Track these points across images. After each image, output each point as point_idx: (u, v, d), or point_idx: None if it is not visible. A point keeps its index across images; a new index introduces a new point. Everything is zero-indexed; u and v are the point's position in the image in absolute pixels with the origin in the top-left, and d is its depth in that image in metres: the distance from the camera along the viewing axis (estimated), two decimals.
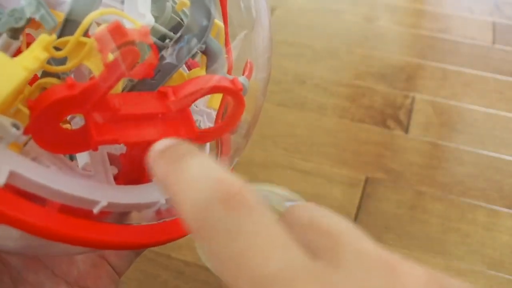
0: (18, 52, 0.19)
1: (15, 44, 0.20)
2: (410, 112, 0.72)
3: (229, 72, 0.26)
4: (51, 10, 0.20)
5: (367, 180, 0.61)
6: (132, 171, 0.23)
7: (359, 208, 0.58)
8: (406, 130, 0.69)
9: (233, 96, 0.22)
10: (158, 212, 0.23)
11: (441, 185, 0.61)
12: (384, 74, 0.79)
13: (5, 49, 0.20)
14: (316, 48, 0.85)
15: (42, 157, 0.20)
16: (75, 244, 0.20)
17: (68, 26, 0.19)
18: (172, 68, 0.22)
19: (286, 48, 0.84)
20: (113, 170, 0.22)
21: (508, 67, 0.82)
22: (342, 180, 0.61)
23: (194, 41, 0.22)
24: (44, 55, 0.18)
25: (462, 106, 0.74)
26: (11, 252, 0.26)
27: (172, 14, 0.24)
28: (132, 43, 0.17)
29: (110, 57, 0.18)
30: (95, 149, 0.19)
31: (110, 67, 0.18)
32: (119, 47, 0.17)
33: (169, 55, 0.22)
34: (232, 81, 0.21)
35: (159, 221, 0.23)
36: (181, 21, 0.25)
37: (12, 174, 0.18)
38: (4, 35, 0.19)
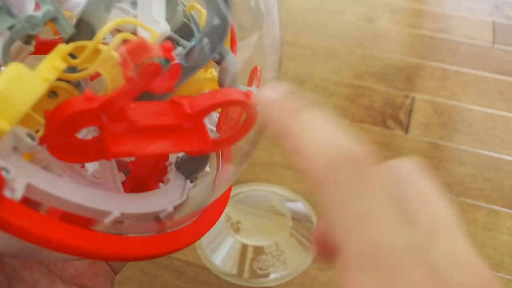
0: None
1: (28, 49, 0.20)
2: (410, 112, 0.72)
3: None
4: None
5: None
6: (140, 177, 0.23)
7: None
8: (406, 130, 0.69)
9: (248, 109, 0.22)
10: (160, 222, 0.23)
11: (441, 185, 0.61)
12: (384, 74, 0.79)
13: (18, 53, 0.20)
14: (316, 48, 0.85)
15: (53, 165, 0.20)
16: (76, 255, 0.20)
17: (80, 27, 0.20)
18: (187, 71, 0.22)
19: (286, 48, 0.84)
20: (121, 177, 0.22)
21: (508, 67, 0.82)
22: None
23: (209, 44, 0.22)
24: (62, 65, 0.18)
25: (462, 106, 0.74)
26: (5, 255, 0.26)
27: (183, 18, 0.24)
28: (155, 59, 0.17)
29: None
30: (110, 160, 0.20)
31: (131, 81, 0.18)
32: (142, 63, 0.17)
33: (179, 59, 0.21)
34: (247, 95, 0.21)
35: (159, 233, 0.23)
36: (188, 23, 0.25)
37: (28, 186, 0.18)
38: (18, 40, 0.19)
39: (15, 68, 0.17)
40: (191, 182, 0.26)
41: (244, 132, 0.23)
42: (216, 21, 0.21)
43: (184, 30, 0.24)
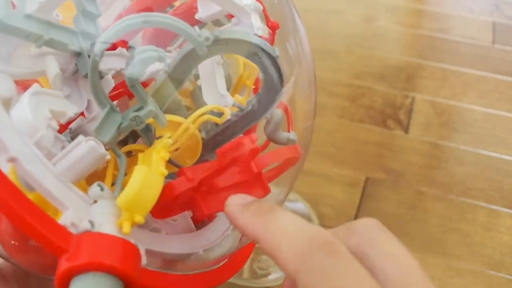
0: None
1: (124, 134, 0.24)
2: (410, 112, 0.72)
3: None
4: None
5: (367, 180, 0.61)
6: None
7: (359, 208, 0.58)
8: (406, 130, 0.69)
9: (295, 160, 0.27)
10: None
11: (441, 185, 0.61)
12: (384, 74, 0.79)
13: (116, 140, 0.23)
14: (316, 48, 0.84)
15: (149, 220, 0.24)
16: None
17: (154, 98, 0.23)
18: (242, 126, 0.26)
19: None
20: (190, 213, 0.26)
21: (508, 67, 0.82)
22: (342, 180, 0.61)
23: (257, 117, 0.25)
24: (167, 156, 0.22)
25: (462, 106, 0.74)
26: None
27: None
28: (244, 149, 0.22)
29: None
30: (203, 218, 0.25)
31: (225, 166, 0.22)
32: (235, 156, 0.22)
33: (234, 116, 0.26)
34: (296, 150, 0.26)
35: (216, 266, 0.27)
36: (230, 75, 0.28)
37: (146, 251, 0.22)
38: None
39: (142, 172, 0.20)
40: None
41: (287, 168, 0.27)
42: (270, 102, 0.25)
43: (227, 81, 0.28)
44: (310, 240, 0.19)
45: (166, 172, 0.21)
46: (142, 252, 0.21)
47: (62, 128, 0.24)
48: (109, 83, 0.24)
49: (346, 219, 0.56)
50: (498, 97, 0.75)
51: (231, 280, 0.53)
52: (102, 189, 0.21)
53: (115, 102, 0.25)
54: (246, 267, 0.51)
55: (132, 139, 0.25)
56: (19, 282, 0.27)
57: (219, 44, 0.22)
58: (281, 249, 0.19)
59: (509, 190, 0.61)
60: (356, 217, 0.57)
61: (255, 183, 0.25)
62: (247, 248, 0.29)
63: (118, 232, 0.20)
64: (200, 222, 0.27)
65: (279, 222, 0.20)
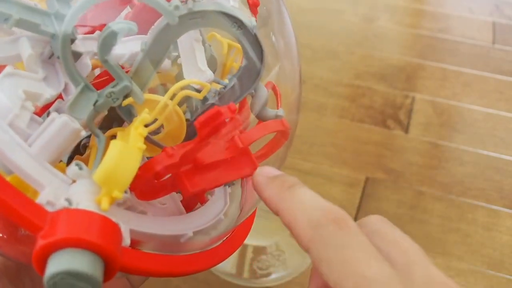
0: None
1: (102, 113, 0.24)
2: (410, 112, 0.72)
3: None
4: None
5: (367, 180, 0.61)
6: (194, 195, 0.26)
7: (359, 208, 0.58)
8: (406, 130, 0.69)
9: (283, 134, 0.27)
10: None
11: (441, 185, 0.61)
12: (384, 74, 0.79)
13: (94, 119, 0.23)
14: (316, 48, 0.85)
15: (136, 204, 0.23)
16: (172, 276, 0.24)
17: (133, 80, 0.23)
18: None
19: None
20: (179, 197, 0.26)
21: (508, 67, 0.82)
22: (342, 180, 0.61)
23: (240, 93, 0.25)
24: (145, 131, 0.22)
25: (462, 106, 0.74)
26: None
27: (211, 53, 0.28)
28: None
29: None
30: (187, 196, 0.24)
31: (206, 138, 0.22)
32: (215, 125, 0.22)
33: (211, 97, 0.25)
34: (282, 123, 0.26)
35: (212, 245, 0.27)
36: (214, 56, 0.28)
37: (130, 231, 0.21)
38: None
39: (118, 146, 0.20)
40: (229, 187, 0.29)
41: (277, 148, 0.28)
42: (252, 77, 0.25)
43: (211, 62, 0.28)
44: (324, 214, 0.20)
45: (143, 146, 0.21)
46: (126, 231, 0.20)
47: (41, 112, 0.24)
48: (86, 66, 0.24)
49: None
50: (498, 97, 0.75)
51: (230, 280, 0.53)
52: (80, 168, 0.20)
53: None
54: (246, 267, 0.51)
55: (117, 124, 0.25)
56: (10, 279, 0.26)
57: (193, 18, 0.22)
58: (297, 221, 0.21)
59: (509, 190, 0.61)
60: (356, 217, 0.57)
61: (243, 160, 0.24)
62: (242, 232, 0.29)
63: (97, 209, 0.19)
64: (192, 208, 0.26)
65: (298, 197, 0.22)
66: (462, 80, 0.79)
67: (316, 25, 0.90)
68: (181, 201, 0.26)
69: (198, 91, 0.24)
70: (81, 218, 0.18)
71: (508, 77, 0.79)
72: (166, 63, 0.26)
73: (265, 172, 0.24)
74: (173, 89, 0.23)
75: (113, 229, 0.19)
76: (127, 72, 0.23)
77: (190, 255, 0.25)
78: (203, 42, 0.27)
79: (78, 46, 0.23)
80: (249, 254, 0.52)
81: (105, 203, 0.19)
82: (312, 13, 0.94)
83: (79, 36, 0.24)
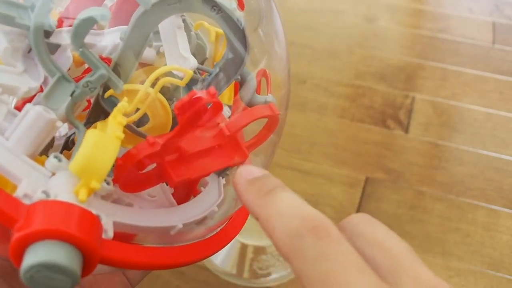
0: None
1: (83, 104, 0.24)
2: (410, 112, 0.72)
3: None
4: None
5: (367, 180, 0.61)
6: (185, 187, 0.26)
7: (359, 208, 0.58)
8: (406, 130, 0.69)
9: (272, 119, 0.26)
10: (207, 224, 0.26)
11: (441, 185, 0.61)
12: (384, 74, 0.79)
13: (75, 110, 0.23)
14: (316, 48, 0.85)
15: (123, 197, 0.23)
16: (157, 269, 0.24)
17: (115, 71, 0.23)
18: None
19: None
20: (170, 190, 0.25)
21: (508, 67, 0.82)
22: (342, 180, 0.61)
23: (225, 80, 0.25)
24: (124, 120, 0.21)
25: (462, 106, 0.74)
26: None
27: (198, 41, 0.27)
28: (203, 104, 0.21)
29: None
30: (173, 186, 0.23)
31: (186, 125, 0.21)
32: (194, 110, 0.21)
33: (199, 90, 0.25)
34: (271, 107, 0.25)
35: (205, 236, 0.26)
36: (201, 44, 0.28)
37: (114, 223, 0.21)
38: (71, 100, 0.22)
39: (94, 135, 0.19)
40: (223, 178, 0.28)
41: (268, 135, 0.26)
42: (236, 63, 0.24)
43: (196, 49, 0.27)
44: (302, 223, 0.19)
45: (122, 135, 0.20)
46: (108, 224, 0.20)
47: (23, 106, 0.23)
48: (67, 58, 0.23)
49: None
50: (498, 97, 0.75)
51: (231, 280, 0.53)
52: (60, 160, 0.20)
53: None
54: (246, 267, 0.51)
55: (104, 116, 0.24)
56: (6, 279, 0.26)
57: (171, 3, 0.22)
58: (275, 230, 0.19)
59: (509, 190, 0.61)
60: None
61: (231, 148, 0.23)
62: (237, 223, 0.28)
63: (75, 200, 0.19)
64: (185, 201, 0.26)
65: (276, 203, 0.20)
66: (462, 80, 0.79)
67: (316, 25, 0.90)
68: (173, 194, 0.25)
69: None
70: (58, 209, 0.18)
71: (508, 77, 0.79)
72: (151, 53, 0.25)
73: (245, 174, 0.22)
74: (153, 76, 0.22)
75: (92, 221, 0.19)
76: (108, 62, 0.23)
77: (180, 246, 0.24)
78: (189, 30, 0.26)
79: (57, 38, 0.23)
80: (249, 254, 0.52)
81: (82, 194, 0.19)
82: (313, 13, 0.94)
83: (64, 29, 0.24)
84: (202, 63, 0.27)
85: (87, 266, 0.18)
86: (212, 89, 0.21)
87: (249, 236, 0.53)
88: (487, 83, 0.78)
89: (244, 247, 0.52)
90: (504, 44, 0.87)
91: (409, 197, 0.60)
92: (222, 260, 0.51)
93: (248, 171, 0.22)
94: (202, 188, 0.27)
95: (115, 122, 0.21)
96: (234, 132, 0.23)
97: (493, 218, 0.58)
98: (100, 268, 0.22)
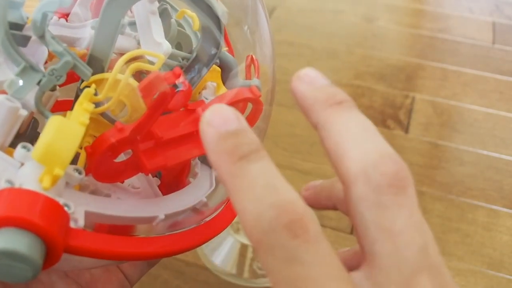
0: None
1: (55, 95, 0.23)
2: (410, 112, 0.72)
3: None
4: (70, 48, 0.23)
5: None
6: (172, 178, 0.26)
7: None
8: (406, 130, 0.69)
9: (254, 102, 0.24)
10: (197, 214, 0.26)
11: (441, 185, 0.61)
12: (384, 74, 0.79)
13: (47, 100, 0.23)
14: (316, 48, 0.85)
15: (101, 188, 0.22)
16: (137, 259, 0.23)
17: (91, 62, 0.22)
18: None
19: (286, 48, 0.84)
20: (156, 182, 0.25)
21: (508, 67, 0.82)
22: None
23: (204, 69, 0.24)
24: (91, 106, 0.21)
25: (462, 106, 0.74)
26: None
27: (179, 28, 0.27)
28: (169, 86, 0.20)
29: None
30: (147, 174, 0.23)
31: (153, 108, 0.20)
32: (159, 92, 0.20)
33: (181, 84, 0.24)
34: (251, 90, 0.24)
35: (197, 224, 0.25)
36: (183, 30, 0.27)
37: (86, 214, 0.20)
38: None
39: (56, 121, 0.19)
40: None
41: (253, 122, 0.26)
42: (213, 51, 0.24)
43: (180, 37, 0.27)
44: (277, 214, 0.16)
45: (87, 121, 0.20)
46: (79, 213, 0.19)
47: None
48: (43, 51, 0.23)
49: (346, 219, 0.56)
50: (498, 97, 0.75)
51: (231, 280, 0.53)
52: (28, 150, 0.19)
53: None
54: (246, 267, 0.51)
55: None
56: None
57: None
58: (245, 214, 0.16)
59: (509, 190, 0.61)
60: None
61: None
62: (228, 213, 0.27)
63: (41, 189, 0.18)
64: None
65: (250, 177, 0.16)
66: (462, 80, 0.79)
67: (316, 25, 0.90)
68: (159, 186, 0.25)
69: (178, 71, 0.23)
70: (21, 197, 0.18)
71: (508, 77, 0.79)
72: (132, 43, 0.25)
73: (217, 120, 0.17)
74: (121, 61, 0.21)
75: (56, 209, 0.18)
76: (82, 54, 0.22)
77: (161, 236, 0.23)
78: (168, 18, 0.26)
79: (29, 31, 0.23)
80: (249, 254, 0.52)
81: (46, 182, 0.18)
82: (312, 13, 0.94)
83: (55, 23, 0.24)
84: (189, 53, 0.27)
85: (51, 255, 0.18)
86: (177, 69, 0.20)
87: None
88: (487, 83, 0.78)
89: (244, 247, 0.52)
90: (504, 44, 0.87)
91: None
92: (222, 260, 0.51)
93: (221, 116, 0.17)
94: (191, 180, 0.27)
95: (81, 109, 0.21)
96: None
97: (493, 218, 0.58)
98: (87, 262, 0.22)
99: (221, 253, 0.52)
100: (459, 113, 0.73)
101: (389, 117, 0.71)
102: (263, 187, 0.16)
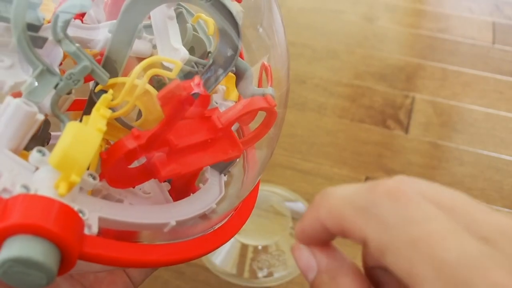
0: None
1: (70, 98, 0.23)
2: (410, 112, 0.72)
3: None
4: (84, 49, 0.22)
5: (367, 180, 0.61)
6: (182, 184, 0.26)
7: None
8: (406, 130, 0.69)
9: (268, 112, 0.25)
10: (206, 221, 0.26)
11: (441, 185, 0.61)
12: (384, 74, 0.79)
13: (62, 103, 0.22)
14: (316, 48, 0.85)
15: (113, 193, 0.22)
16: (149, 267, 0.23)
17: (106, 65, 0.22)
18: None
19: None
20: (167, 187, 0.25)
21: (508, 67, 0.82)
22: (342, 180, 0.61)
23: (220, 71, 0.24)
24: (108, 112, 0.21)
25: (462, 106, 0.74)
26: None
27: (194, 33, 0.27)
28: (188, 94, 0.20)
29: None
30: (161, 181, 0.23)
31: (171, 116, 0.20)
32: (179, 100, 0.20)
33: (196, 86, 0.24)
34: (266, 100, 0.24)
35: (205, 232, 0.25)
36: (197, 35, 0.27)
37: (99, 220, 0.20)
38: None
39: (73, 127, 0.19)
40: (225, 175, 0.28)
41: (267, 129, 0.26)
42: (230, 53, 0.24)
43: (193, 41, 0.27)
44: (369, 192, 0.17)
45: (104, 128, 0.20)
46: (93, 219, 0.19)
47: None
48: (59, 53, 0.23)
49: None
50: (498, 97, 0.75)
51: (231, 280, 0.53)
52: (43, 155, 0.19)
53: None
54: (246, 267, 0.51)
55: None
56: None
57: None
58: (344, 216, 0.17)
59: (509, 190, 0.61)
60: None
61: (224, 141, 0.23)
62: (237, 220, 0.28)
63: (56, 195, 0.18)
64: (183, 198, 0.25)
65: (333, 195, 0.18)
66: (462, 80, 0.79)
67: (316, 25, 0.90)
68: (170, 191, 0.25)
69: (188, 74, 0.23)
70: (36, 203, 0.18)
71: (508, 77, 0.79)
72: (147, 47, 0.25)
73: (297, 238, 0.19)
74: (138, 67, 0.21)
75: (71, 216, 0.18)
76: (97, 57, 0.22)
77: (171, 244, 0.23)
78: (184, 22, 0.26)
79: (47, 32, 0.23)
80: (249, 254, 0.52)
81: (62, 188, 0.18)
82: (312, 13, 0.94)
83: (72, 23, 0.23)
84: (202, 56, 0.27)
85: (65, 262, 0.18)
86: (196, 78, 0.20)
87: (249, 236, 0.53)
88: (487, 83, 0.78)
89: (244, 247, 0.52)
90: (504, 44, 0.87)
91: None
92: (222, 260, 0.51)
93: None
94: (201, 185, 0.27)
95: (98, 115, 0.21)
96: (227, 125, 0.22)
97: None
98: (95, 267, 0.22)
99: (221, 253, 0.52)
100: (459, 113, 0.73)
101: (389, 117, 0.71)
102: (346, 190, 0.18)
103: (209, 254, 0.51)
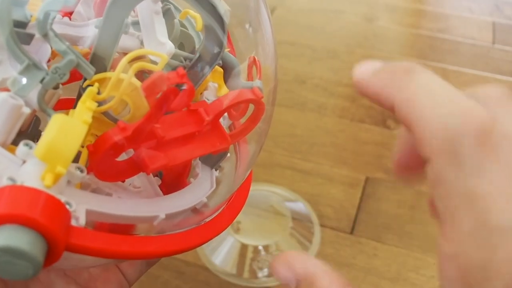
0: None
1: (58, 93, 0.23)
2: None
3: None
4: (73, 46, 0.23)
5: (367, 180, 0.61)
6: (173, 178, 0.26)
7: (359, 208, 0.58)
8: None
9: (256, 103, 0.25)
10: (197, 214, 0.26)
11: None
12: None
13: (50, 98, 0.23)
14: (316, 48, 0.85)
15: (102, 187, 0.23)
16: (139, 258, 0.24)
17: (94, 61, 0.22)
18: None
19: (286, 48, 0.84)
20: (157, 181, 0.25)
21: (508, 67, 0.82)
22: (342, 180, 0.61)
23: (207, 68, 0.24)
24: (94, 105, 0.21)
25: None
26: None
27: (182, 29, 0.27)
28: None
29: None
30: (149, 174, 0.23)
31: (156, 107, 0.20)
32: (163, 91, 0.20)
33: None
34: (253, 92, 0.24)
35: (198, 225, 0.25)
36: (185, 30, 0.27)
37: (87, 212, 0.20)
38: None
39: (59, 119, 0.19)
40: (216, 170, 0.28)
41: (255, 123, 0.26)
42: (216, 50, 0.24)
43: (183, 38, 0.27)
44: (465, 121, 0.15)
45: (89, 120, 0.20)
46: (80, 211, 0.20)
47: None
48: (47, 49, 0.24)
49: (346, 219, 0.56)
50: None
51: (231, 280, 0.53)
52: (30, 148, 0.19)
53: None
54: (246, 267, 0.51)
55: None
56: None
57: None
58: (424, 120, 0.15)
59: None
60: (356, 217, 0.57)
61: (212, 134, 0.23)
62: (230, 212, 0.28)
63: (42, 186, 0.18)
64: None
65: (424, 84, 0.15)
66: (462, 80, 0.79)
67: (316, 25, 0.90)
68: (160, 185, 0.25)
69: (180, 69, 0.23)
70: (23, 194, 0.18)
71: (508, 77, 0.79)
72: (135, 42, 0.25)
73: (365, 66, 0.16)
74: (124, 61, 0.21)
75: (58, 207, 0.18)
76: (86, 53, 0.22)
77: (160, 236, 0.23)
78: (172, 18, 0.26)
79: (32, 29, 0.23)
80: (249, 254, 0.52)
81: (48, 180, 0.19)
82: (312, 13, 0.94)
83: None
84: (191, 52, 0.27)
85: (52, 253, 0.18)
86: (180, 69, 0.20)
87: (249, 236, 0.53)
88: (487, 83, 0.78)
89: (244, 247, 0.52)
90: (504, 44, 0.87)
91: (409, 197, 0.60)
92: (222, 260, 0.51)
93: (369, 64, 0.17)
94: (192, 180, 0.27)
95: (83, 107, 0.21)
96: (214, 117, 0.23)
97: None
98: (86, 260, 0.22)
99: (221, 253, 0.52)
100: None
101: (389, 117, 0.71)
102: (442, 92, 0.15)
103: (209, 254, 0.52)
